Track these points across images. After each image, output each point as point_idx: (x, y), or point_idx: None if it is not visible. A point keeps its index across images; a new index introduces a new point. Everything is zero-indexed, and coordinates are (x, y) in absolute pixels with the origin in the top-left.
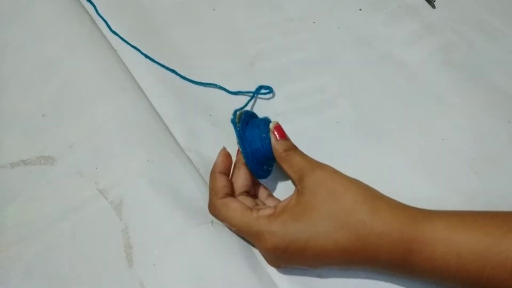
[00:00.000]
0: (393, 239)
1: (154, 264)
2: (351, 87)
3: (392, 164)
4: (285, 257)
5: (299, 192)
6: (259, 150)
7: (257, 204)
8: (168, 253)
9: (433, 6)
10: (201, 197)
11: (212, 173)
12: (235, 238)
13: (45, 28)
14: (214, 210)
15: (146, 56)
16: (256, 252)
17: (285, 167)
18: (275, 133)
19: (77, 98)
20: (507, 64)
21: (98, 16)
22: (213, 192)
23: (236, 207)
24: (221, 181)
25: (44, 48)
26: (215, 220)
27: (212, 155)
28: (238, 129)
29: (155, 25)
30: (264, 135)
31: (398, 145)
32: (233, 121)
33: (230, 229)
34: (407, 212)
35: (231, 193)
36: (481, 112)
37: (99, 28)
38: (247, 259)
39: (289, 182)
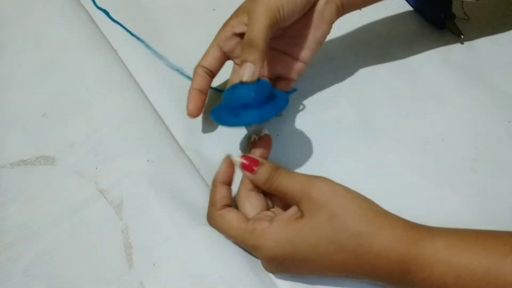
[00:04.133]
0: (391, 259)
1: (154, 264)
2: (351, 87)
3: (392, 164)
4: (281, 269)
5: (298, 210)
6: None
7: (268, 205)
8: (168, 253)
9: (462, 43)
10: (201, 197)
11: (213, 183)
12: None
13: (45, 28)
14: (211, 221)
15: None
16: None
17: (277, 195)
18: (244, 164)
19: (77, 98)
20: (507, 64)
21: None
22: (211, 204)
23: (231, 219)
24: (220, 192)
25: (44, 48)
26: None
27: (212, 155)
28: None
29: (155, 25)
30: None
31: (398, 145)
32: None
33: (229, 239)
34: (408, 231)
35: (231, 203)
36: (481, 112)
37: (99, 28)
38: (247, 259)
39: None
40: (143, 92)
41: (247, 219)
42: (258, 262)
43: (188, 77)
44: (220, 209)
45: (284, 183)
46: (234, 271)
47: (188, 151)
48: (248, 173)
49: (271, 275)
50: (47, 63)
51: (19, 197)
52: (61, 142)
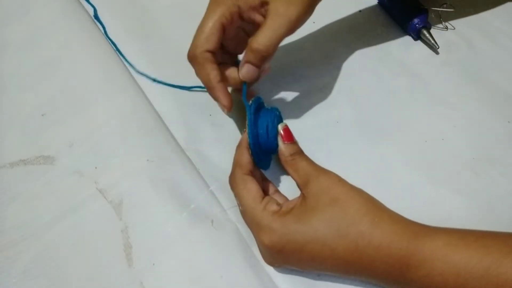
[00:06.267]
0: (391, 253)
1: (154, 264)
2: (351, 87)
3: (392, 164)
4: (281, 257)
5: (303, 196)
6: (265, 138)
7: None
8: (168, 253)
9: (437, 53)
10: (201, 197)
11: (240, 147)
12: (235, 238)
13: (45, 28)
14: (233, 182)
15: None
16: (256, 252)
17: (290, 171)
18: (283, 135)
19: (76, 97)
20: (507, 64)
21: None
22: (238, 165)
23: (251, 188)
24: (247, 157)
25: (44, 48)
26: (215, 220)
27: (212, 155)
28: (250, 110)
29: (154, 25)
30: (273, 124)
31: (398, 145)
32: (250, 105)
33: (239, 206)
34: (408, 227)
35: (254, 172)
36: (481, 112)
37: (98, 28)
38: (247, 259)
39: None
40: (143, 92)
41: (263, 196)
42: (258, 262)
43: (160, 82)
44: (247, 173)
45: (303, 163)
46: (234, 271)
47: (188, 151)
48: (286, 141)
49: (271, 274)
50: (47, 63)
51: (19, 197)
52: (60, 142)
